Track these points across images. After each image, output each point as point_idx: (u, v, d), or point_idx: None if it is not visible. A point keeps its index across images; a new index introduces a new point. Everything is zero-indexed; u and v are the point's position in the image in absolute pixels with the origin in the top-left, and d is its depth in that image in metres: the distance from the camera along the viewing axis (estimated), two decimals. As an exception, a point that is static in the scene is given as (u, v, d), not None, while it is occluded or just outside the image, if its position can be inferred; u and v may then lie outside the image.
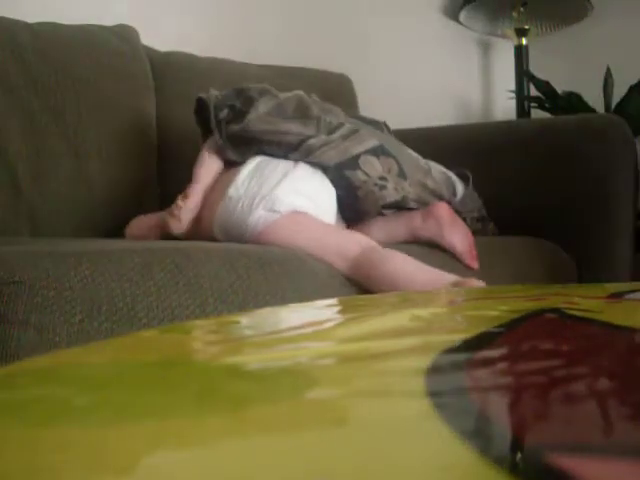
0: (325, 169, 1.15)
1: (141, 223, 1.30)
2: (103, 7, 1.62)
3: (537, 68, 2.34)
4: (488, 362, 0.30)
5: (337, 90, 1.75)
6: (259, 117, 1.17)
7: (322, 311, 0.52)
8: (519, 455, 0.20)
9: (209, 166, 1.18)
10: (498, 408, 0.24)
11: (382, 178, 1.17)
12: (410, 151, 1.30)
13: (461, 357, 0.31)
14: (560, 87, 2.15)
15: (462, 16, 2.36)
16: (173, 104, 1.54)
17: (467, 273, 1.03)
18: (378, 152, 1.18)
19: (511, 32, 2.38)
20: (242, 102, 1.20)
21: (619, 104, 2.06)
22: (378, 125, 1.35)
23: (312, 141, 1.15)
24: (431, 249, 1.12)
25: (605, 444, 0.20)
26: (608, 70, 2.13)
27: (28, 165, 1.29)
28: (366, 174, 1.16)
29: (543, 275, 1.29)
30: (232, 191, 1.06)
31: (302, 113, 1.20)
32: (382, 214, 1.23)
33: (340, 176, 1.15)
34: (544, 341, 0.35)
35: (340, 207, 1.19)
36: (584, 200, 1.44)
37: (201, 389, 0.27)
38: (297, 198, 1.05)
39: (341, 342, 0.37)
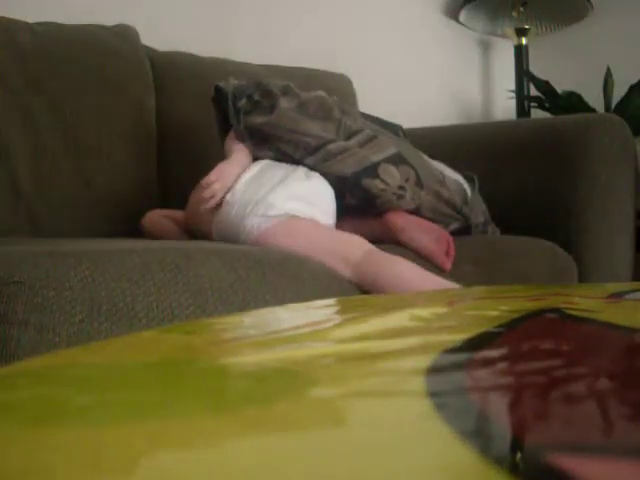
0: (342, 178, 1.14)
1: (154, 216, 1.31)
2: (103, 7, 1.62)
3: (537, 68, 2.34)
4: (488, 362, 0.30)
5: (337, 90, 1.75)
6: (284, 112, 1.16)
7: (322, 311, 0.52)
8: (519, 455, 0.20)
9: (241, 149, 1.16)
10: (498, 408, 0.24)
11: (401, 187, 1.15)
12: (425, 157, 1.29)
13: (461, 357, 0.31)
14: (560, 87, 2.15)
15: (462, 16, 2.36)
16: (173, 104, 1.54)
17: (440, 274, 1.02)
18: (397, 160, 1.16)
19: (511, 32, 2.38)
20: (261, 95, 1.20)
21: (619, 104, 2.06)
22: (395, 129, 1.34)
23: (331, 146, 1.14)
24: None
25: (605, 444, 0.20)
26: (608, 70, 2.13)
27: (28, 165, 1.29)
28: (385, 183, 1.14)
29: (543, 275, 1.29)
30: (229, 196, 1.05)
31: (324, 115, 1.19)
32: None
33: (357, 184, 1.14)
34: (544, 341, 0.35)
35: (348, 211, 1.17)
36: (584, 200, 1.44)
37: (201, 389, 0.27)
38: (291, 203, 1.03)
39: (341, 342, 0.37)
